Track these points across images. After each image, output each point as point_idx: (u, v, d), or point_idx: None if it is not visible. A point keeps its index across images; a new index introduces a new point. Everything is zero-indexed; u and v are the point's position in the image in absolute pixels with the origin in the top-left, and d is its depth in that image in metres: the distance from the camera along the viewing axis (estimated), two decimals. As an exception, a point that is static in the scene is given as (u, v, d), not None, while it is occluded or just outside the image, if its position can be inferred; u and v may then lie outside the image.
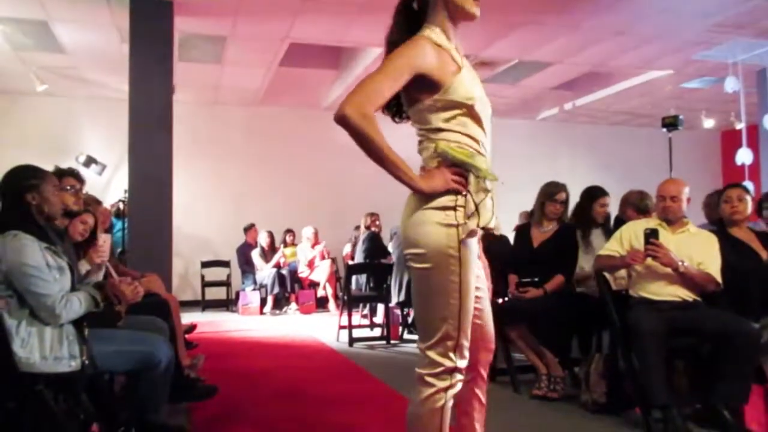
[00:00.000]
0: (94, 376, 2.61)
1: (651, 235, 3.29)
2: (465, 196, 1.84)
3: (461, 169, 1.85)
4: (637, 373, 3.21)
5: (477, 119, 1.90)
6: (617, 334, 3.40)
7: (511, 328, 4.01)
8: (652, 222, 3.50)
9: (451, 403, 1.86)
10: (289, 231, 9.53)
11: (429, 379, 1.84)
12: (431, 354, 1.85)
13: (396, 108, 2.03)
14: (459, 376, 1.87)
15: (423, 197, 1.85)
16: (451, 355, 1.84)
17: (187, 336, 4.82)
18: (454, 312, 1.83)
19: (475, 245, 1.90)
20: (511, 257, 4.42)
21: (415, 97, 1.88)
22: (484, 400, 2.09)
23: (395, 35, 1.94)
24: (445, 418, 1.85)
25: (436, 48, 1.85)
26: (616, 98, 9.85)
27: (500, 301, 4.46)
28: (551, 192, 4.18)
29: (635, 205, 4.24)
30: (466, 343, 1.87)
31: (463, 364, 1.87)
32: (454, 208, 1.84)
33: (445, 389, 1.84)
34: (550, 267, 4.04)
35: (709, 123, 10.95)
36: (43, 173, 2.60)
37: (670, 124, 7.33)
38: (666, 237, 3.36)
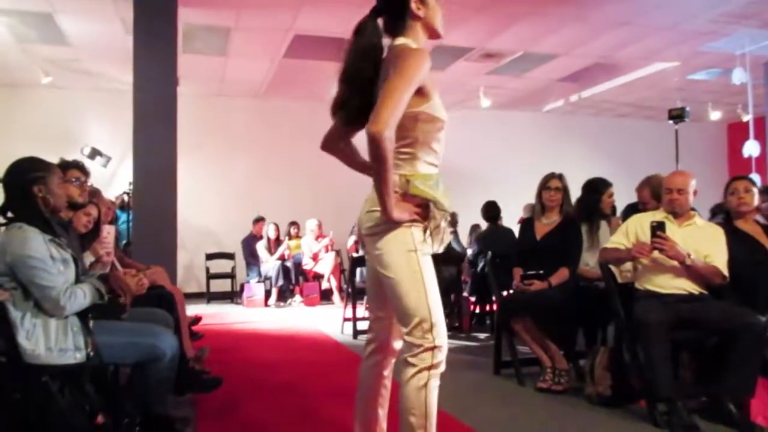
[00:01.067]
0: (99, 368, 2.62)
1: (658, 228, 3.27)
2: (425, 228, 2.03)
3: (424, 202, 2.02)
4: (642, 366, 3.20)
5: (442, 135, 2.08)
6: (623, 327, 3.39)
7: (515, 320, 4.01)
8: (658, 215, 3.48)
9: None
10: (293, 223, 9.54)
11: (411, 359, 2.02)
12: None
13: (347, 114, 2.20)
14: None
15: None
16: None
17: (192, 327, 4.83)
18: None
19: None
20: (515, 250, 4.42)
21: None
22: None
23: (374, 38, 2.08)
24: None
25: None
26: (622, 90, 9.80)
27: (505, 293, 4.46)
28: (544, 180, 4.19)
29: (654, 189, 4.16)
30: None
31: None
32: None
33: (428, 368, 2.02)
34: (554, 259, 4.03)
35: (715, 115, 10.88)
36: (49, 165, 2.59)
37: (677, 116, 7.29)
38: (672, 230, 3.34)
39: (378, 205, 1.98)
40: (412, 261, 2.01)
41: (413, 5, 2.06)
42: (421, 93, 1.97)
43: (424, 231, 2.03)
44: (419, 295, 2.00)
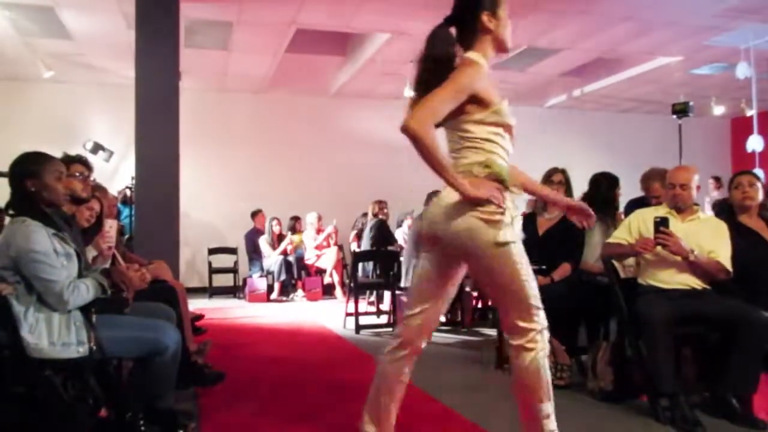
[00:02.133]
0: (102, 362, 2.62)
1: (661, 223, 3.26)
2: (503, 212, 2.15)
3: (501, 185, 2.18)
4: (644, 361, 3.19)
5: (510, 138, 2.31)
6: (625, 323, 3.38)
7: (518, 315, 4.00)
8: (661, 210, 3.47)
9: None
10: (295, 218, 9.54)
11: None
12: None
13: None
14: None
15: (470, 204, 2.13)
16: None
17: (195, 323, 4.83)
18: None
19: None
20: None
21: (465, 109, 2.17)
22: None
23: (438, 49, 2.22)
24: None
25: (486, 73, 2.20)
26: (625, 85, 9.77)
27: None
28: (547, 174, 4.19)
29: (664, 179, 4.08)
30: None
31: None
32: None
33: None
34: (556, 255, 4.03)
35: (719, 110, 10.84)
36: (44, 159, 2.57)
37: (681, 110, 7.26)
38: (676, 225, 3.33)
39: (453, 203, 2.14)
40: (508, 251, 2.15)
41: (485, 18, 2.20)
42: (480, 103, 2.17)
43: (505, 219, 2.15)
44: (522, 283, 2.18)
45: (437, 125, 2.19)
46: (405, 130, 2.02)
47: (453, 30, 2.26)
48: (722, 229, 3.39)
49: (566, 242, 4.06)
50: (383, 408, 2.40)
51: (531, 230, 4.21)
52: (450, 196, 2.18)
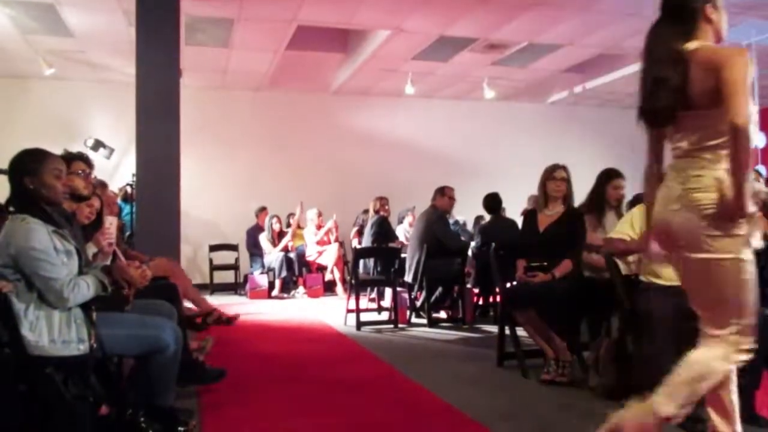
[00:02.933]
0: (103, 360, 2.62)
1: None
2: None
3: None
4: (646, 357, 3.18)
5: None
6: (627, 319, 3.37)
7: (519, 312, 4.00)
8: None
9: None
10: (293, 214, 9.49)
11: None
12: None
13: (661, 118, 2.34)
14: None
15: (720, 224, 2.08)
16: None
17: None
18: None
19: None
20: (519, 242, 4.40)
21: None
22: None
23: (675, 44, 2.20)
24: None
25: None
26: (627, 81, 9.70)
27: (508, 285, 4.46)
28: (550, 170, 4.17)
29: None
30: None
31: None
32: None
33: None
34: (557, 251, 4.02)
35: (720, 106, 10.82)
36: (43, 157, 2.55)
37: (683, 106, 7.22)
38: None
39: (702, 204, 2.08)
40: (745, 267, 2.12)
41: (708, 10, 2.22)
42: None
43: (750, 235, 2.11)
44: (744, 301, 2.14)
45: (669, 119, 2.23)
46: (741, 128, 1.97)
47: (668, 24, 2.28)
48: None
49: (567, 238, 4.05)
50: (724, 402, 2.31)
51: (532, 227, 4.21)
52: (702, 198, 2.10)
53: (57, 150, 2.86)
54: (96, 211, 3.18)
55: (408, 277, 6.33)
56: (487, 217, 7.11)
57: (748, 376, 3.07)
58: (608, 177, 4.28)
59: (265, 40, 7.77)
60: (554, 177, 4.13)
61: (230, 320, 4.48)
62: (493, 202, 6.68)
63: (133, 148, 5.97)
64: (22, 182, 2.48)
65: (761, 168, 7.22)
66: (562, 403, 3.46)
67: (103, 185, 4.40)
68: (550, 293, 3.89)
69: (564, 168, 4.16)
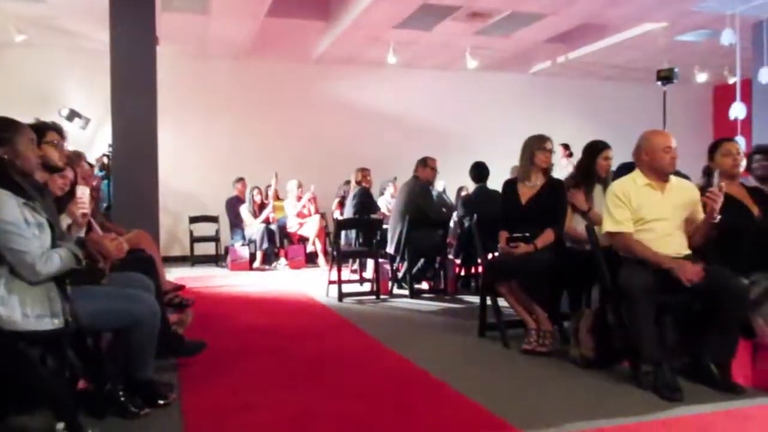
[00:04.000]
0: (80, 334, 2.57)
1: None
2: None
3: None
4: (626, 328, 3.21)
5: None
6: (607, 290, 3.39)
7: (501, 283, 4.01)
8: (639, 179, 3.40)
9: None
10: (270, 186, 9.36)
11: None
12: None
13: None
14: None
15: None
16: None
17: (179, 293, 4.74)
18: None
19: None
20: (501, 215, 4.38)
21: None
22: None
23: None
24: None
25: None
26: (609, 51, 9.69)
27: (490, 256, 4.45)
28: (539, 142, 4.14)
29: None
30: None
31: None
32: None
33: None
34: (539, 222, 4.02)
35: (701, 77, 10.84)
36: (17, 126, 2.49)
37: (665, 77, 7.23)
38: (655, 194, 3.33)
39: None
40: None
41: None
42: None
43: None
44: None
45: None
46: None
47: None
48: (695, 189, 3.44)
49: (549, 210, 4.05)
50: None
51: (513, 198, 4.19)
52: None
53: (30, 120, 2.77)
54: (69, 183, 3.10)
55: (390, 249, 6.32)
56: (471, 188, 7.07)
57: (725, 345, 3.13)
58: (597, 149, 4.25)
59: (244, 6, 7.58)
60: (544, 148, 4.11)
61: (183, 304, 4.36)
62: (480, 170, 6.58)
63: (109, 118, 5.83)
64: None
65: (741, 139, 7.25)
66: (543, 373, 3.49)
67: (79, 156, 4.29)
68: (531, 264, 3.90)
69: (550, 139, 4.15)
